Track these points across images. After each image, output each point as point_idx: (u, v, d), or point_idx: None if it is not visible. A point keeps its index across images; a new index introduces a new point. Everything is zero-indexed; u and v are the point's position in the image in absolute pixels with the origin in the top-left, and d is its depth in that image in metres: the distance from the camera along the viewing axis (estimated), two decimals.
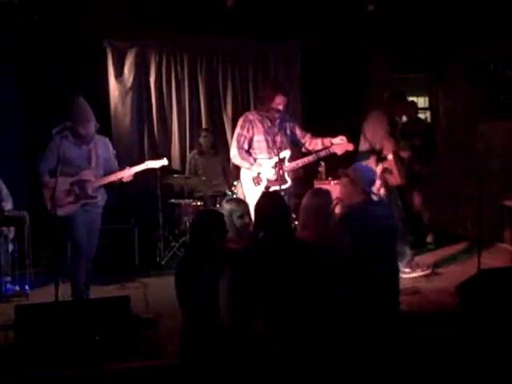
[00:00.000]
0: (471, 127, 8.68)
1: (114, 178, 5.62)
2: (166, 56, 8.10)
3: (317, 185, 7.93)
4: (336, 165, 7.57)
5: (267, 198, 4.38)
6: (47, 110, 6.85)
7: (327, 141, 6.15)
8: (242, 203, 4.58)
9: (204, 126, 8.22)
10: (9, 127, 7.29)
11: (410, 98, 9.35)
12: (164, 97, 8.15)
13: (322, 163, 7.98)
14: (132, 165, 6.04)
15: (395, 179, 6.50)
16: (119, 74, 7.94)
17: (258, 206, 4.18)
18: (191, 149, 8.18)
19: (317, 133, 6.30)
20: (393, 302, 4.42)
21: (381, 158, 6.42)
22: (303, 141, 6.22)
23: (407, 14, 8.01)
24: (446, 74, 9.05)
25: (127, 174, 5.65)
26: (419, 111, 8.63)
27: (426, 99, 9.51)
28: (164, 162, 5.98)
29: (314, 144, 6.20)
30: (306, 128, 6.54)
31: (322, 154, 6.13)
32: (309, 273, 3.82)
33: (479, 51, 8.44)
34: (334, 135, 6.15)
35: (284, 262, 3.77)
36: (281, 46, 8.44)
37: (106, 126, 7.66)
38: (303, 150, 6.33)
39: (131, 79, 7.97)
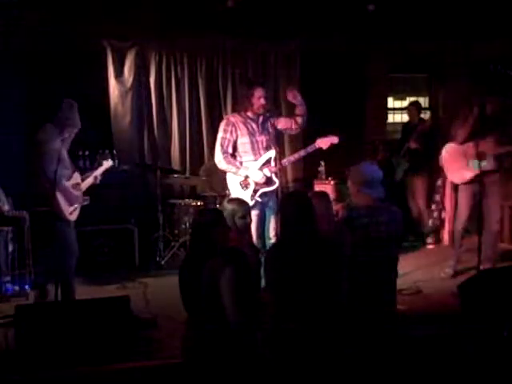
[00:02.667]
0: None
1: (92, 180, 5.67)
2: (165, 56, 8.08)
3: (317, 184, 7.95)
4: (336, 165, 7.65)
5: (292, 197, 4.34)
6: (47, 110, 6.82)
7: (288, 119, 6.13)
8: (244, 204, 4.56)
9: (204, 125, 8.22)
10: (9, 127, 7.28)
11: (411, 99, 9.40)
12: (164, 97, 8.14)
13: (322, 163, 7.99)
14: (132, 164, 6.05)
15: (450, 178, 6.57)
16: (119, 74, 7.91)
17: (282, 206, 4.16)
18: (191, 148, 8.17)
19: (317, 133, 6.27)
20: (389, 309, 4.39)
21: None
22: (288, 126, 6.14)
23: (407, 13, 8.00)
24: (446, 73, 9.05)
25: (98, 174, 5.70)
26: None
27: (426, 99, 9.50)
28: (110, 162, 5.89)
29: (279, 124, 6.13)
30: (305, 128, 6.52)
31: (308, 150, 6.06)
32: (332, 270, 3.82)
33: (479, 51, 8.44)
34: (334, 135, 6.13)
35: (309, 261, 3.76)
36: (281, 46, 8.43)
37: (105, 126, 7.70)
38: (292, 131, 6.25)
39: (131, 79, 7.95)
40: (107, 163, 5.83)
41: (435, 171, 7.83)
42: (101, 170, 5.76)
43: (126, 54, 7.93)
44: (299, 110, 6.12)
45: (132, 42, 7.93)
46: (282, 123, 6.15)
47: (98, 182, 5.72)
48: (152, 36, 7.93)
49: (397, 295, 4.51)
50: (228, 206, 4.43)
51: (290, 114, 8.32)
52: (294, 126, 6.13)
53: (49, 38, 7.38)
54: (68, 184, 5.37)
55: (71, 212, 5.41)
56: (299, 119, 6.11)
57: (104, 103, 7.79)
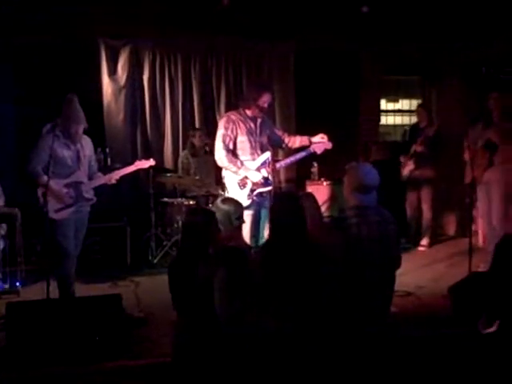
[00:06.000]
0: (464, 130, 8.69)
1: (105, 180, 5.64)
2: (159, 54, 8.08)
3: (309, 185, 7.96)
4: (329, 165, 7.66)
5: (283, 199, 4.32)
6: (41, 108, 6.82)
7: (305, 139, 6.19)
8: (238, 204, 4.56)
9: (197, 125, 8.21)
10: (2, 124, 7.27)
11: (404, 101, 9.44)
12: (157, 95, 8.13)
13: (315, 164, 8.00)
14: (124, 163, 6.04)
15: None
16: (112, 72, 7.90)
17: (274, 207, 4.13)
18: (184, 147, 8.16)
19: (310, 133, 6.30)
20: (381, 310, 4.37)
21: None
22: (280, 137, 6.25)
23: (401, 15, 8.02)
24: (439, 76, 9.07)
25: (117, 175, 5.66)
26: (411, 114, 8.65)
27: (419, 101, 9.52)
28: (151, 162, 6.04)
29: (292, 141, 6.23)
30: (299, 128, 6.54)
31: (303, 154, 6.14)
32: (317, 275, 3.80)
33: (472, 54, 8.46)
34: (327, 135, 6.16)
35: (296, 265, 3.74)
36: (275, 46, 8.44)
37: (98, 123, 7.68)
38: (283, 146, 6.35)
39: (124, 77, 7.94)
40: (143, 163, 5.94)
41: (442, 176, 7.87)
42: (130, 169, 5.81)
43: (119, 52, 7.92)
44: (298, 142, 6.21)
45: (126, 40, 7.92)
46: (276, 131, 6.30)
47: (113, 181, 5.67)
48: (146, 34, 7.92)
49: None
50: (223, 207, 4.40)
51: (283, 114, 8.43)
52: (284, 140, 6.23)
53: (43, 36, 7.36)
54: (60, 182, 5.31)
55: (57, 210, 5.29)
56: (290, 141, 6.23)
57: (97, 101, 7.77)
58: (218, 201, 4.59)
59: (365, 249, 4.09)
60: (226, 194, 6.03)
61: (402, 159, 7.93)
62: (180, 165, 7.96)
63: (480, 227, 7.43)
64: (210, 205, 7.20)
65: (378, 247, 4.13)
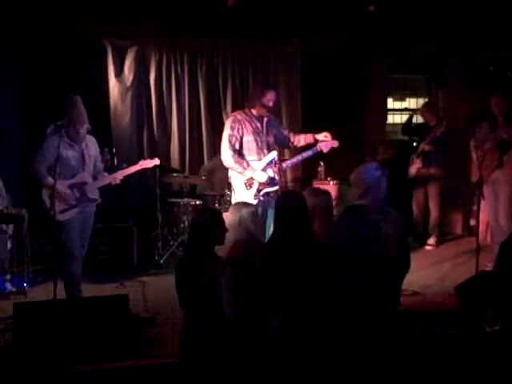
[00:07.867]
0: (470, 129, 8.66)
1: (109, 179, 5.64)
2: (166, 55, 8.08)
3: (316, 185, 7.94)
4: (335, 165, 7.65)
5: (288, 197, 4.30)
6: (47, 109, 6.82)
7: (309, 136, 6.20)
8: (250, 205, 4.51)
9: (203, 125, 8.21)
10: (9, 125, 7.28)
11: (411, 100, 9.41)
12: (164, 96, 8.14)
13: (322, 163, 7.98)
14: (131, 163, 6.05)
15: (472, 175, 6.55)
16: (119, 72, 7.92)
17: (278, 204, 4.11)
18: (191, 147, 8.17)
19: (316, 132, 6.29)
20: (389, 311, 4.34)
21: None
22: (287, 137, 6.27)
23: (407, 15, 8.00)
24: (446, 75, 9.05)
25: (122, 175, 5.67)
26: (417, 112, 8.60)
27: (425, 100, 9.49)
28: (156, 161, 6.08)
29: (296, 140, 6.25)
30: (305, 128, 6.52)
31: (310, 153, 6.14)
32: (324, 274, 3.78)
33: (479, 53, 8.43)
34: (334, 136, 6.16)
35: (301, 262, 3.73)
36: (281, 46, 8.42)
37: (105, 124, 7.70)
38: (290, 146, 6.35)
39: (131, 78, 7.94)
40: (148, 162, 5.99)
41: (449, 174, 7.85)
42: (135, 168, 5.85)
43: (126, 52, 7.93)
44: (303, 141, 6.23)
45: (132, 40, 7.93)
46: (282, 130, 6.31)
47: (117, 181, 5.69)
48: (152, 35, 7.93)
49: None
50: (244, 211, 4.27)
51: (289, 114, 8.43)
52: (290, 139, 6.26)
53: (49, 37, 7.38)
54: (65, 182, 5.31)
55: (61, 211, 5.30)
56: (295, 140, 6.25)
57: (104, 101, 7.78)
58: (233, 207, 4.43)
59: (362, 248, 4.08)
60: (233, 195, 6.05)
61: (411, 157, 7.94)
62: (210, 164, 7.86)
63: (481, 225, 7.40)
64: (217, 205, 7.22)
65: (375, 246, 4.11)
